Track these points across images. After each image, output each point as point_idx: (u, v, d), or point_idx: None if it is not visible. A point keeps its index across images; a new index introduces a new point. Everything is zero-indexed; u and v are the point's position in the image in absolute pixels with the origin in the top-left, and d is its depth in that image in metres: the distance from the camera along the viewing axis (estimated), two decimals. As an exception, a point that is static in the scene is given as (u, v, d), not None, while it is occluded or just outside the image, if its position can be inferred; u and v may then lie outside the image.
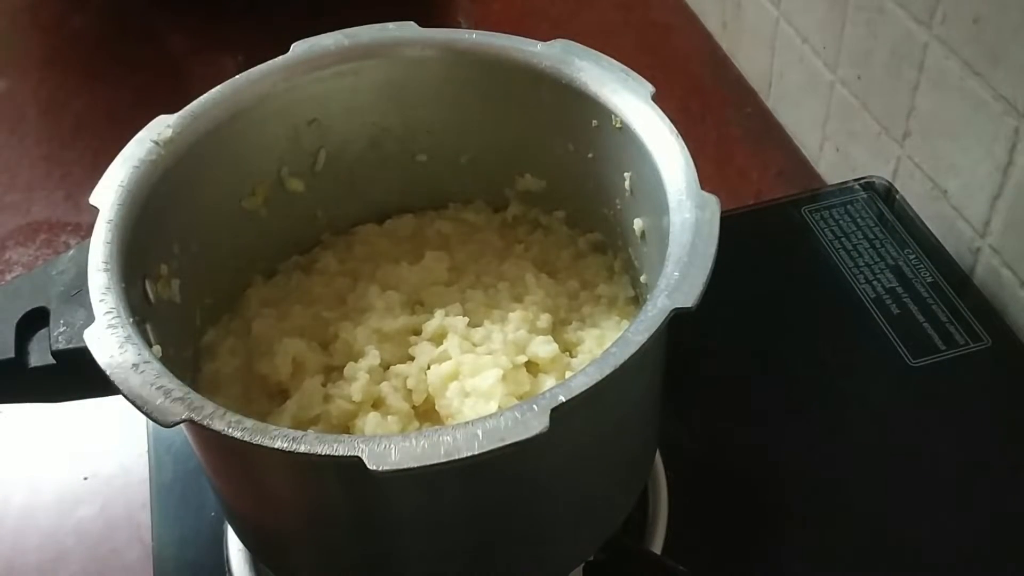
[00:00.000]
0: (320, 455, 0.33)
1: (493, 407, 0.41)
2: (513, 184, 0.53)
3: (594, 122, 0.46)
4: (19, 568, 0.56)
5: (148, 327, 0.40)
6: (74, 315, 0.38)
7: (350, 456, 0.32)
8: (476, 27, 0.49)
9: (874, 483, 0.53)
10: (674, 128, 0.43)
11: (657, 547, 0.51)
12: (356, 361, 0.44)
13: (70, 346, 0.38)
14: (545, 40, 0.47)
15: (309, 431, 0.41)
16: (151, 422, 0.36)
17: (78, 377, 0.37)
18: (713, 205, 0.39)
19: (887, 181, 0.69)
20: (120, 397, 0.35)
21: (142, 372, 0.35)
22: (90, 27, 0.98)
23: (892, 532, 0.51)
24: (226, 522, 0.52)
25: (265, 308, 0.49)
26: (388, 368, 0.45)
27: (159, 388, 0.35)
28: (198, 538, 0.53)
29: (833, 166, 0.76)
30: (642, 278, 0.48)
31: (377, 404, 0.43)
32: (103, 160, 0.42)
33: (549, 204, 0.53)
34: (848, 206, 0.67)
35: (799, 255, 0.65)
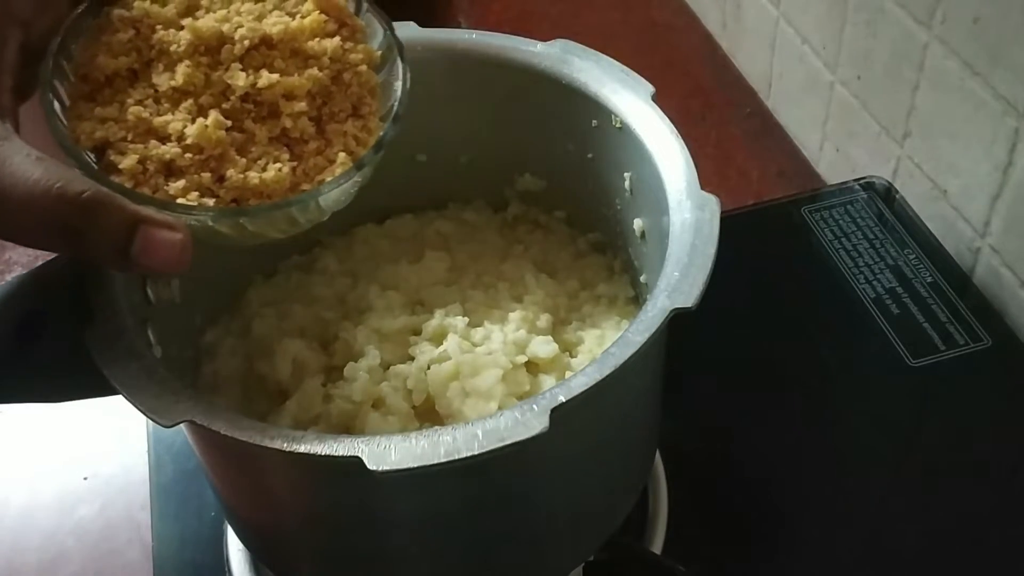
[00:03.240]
0: (320, 455, 0.33)
1: (493, 407, 0.41)
2: (513, 184, 0.53)
3: (594, 122, 0.46)
4: (19, 568, 0.56)
5: (148, 327, 0.40)
6: (74, 315, 0.38)
7: (350, 456, 0.32)
8: (476, 27, 0.49)
9: (873, 483, 0.53)
10: (674, 128, 0.43)
11: (657, 547, 0.51)
12: (356, 361, 0.44)
13: (70, 346, 0.38)
14: (545, 40, 0.47)
15: (309, 431, 0.41)
16: (151, 422, 0.36)
17: (78, 377, 0.37)
18: (713, 205, 0.39)
19: (887, 181, 0.69)
20: (120, 397, 0.35)
21: (142, 373, 0.35)
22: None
23: (891, 532, 0.51)
24: (226, 522, 0.52)
25: (265, 308, 0.49)
26: (388, 368, 0.45)
27: (159, 389, 0.35)
28: (198, 538, 0.53)
29: (833, 166, 0.75)
30: (642, 278, 0.48)
31: (377, 404, 0.43)
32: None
33: (549, 204, 0.53)
34: (848, 206, 0.67)
35: (799, 255, 0.65)
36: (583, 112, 0.46)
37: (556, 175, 0.52)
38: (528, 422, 0.33)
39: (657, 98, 0.44)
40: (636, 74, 0.45)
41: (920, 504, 0.52)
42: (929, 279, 0.62)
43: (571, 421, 0.34)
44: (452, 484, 0.37)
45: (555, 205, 0.53)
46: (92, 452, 0.61)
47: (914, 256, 0.63)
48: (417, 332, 0.47)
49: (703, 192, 0.40)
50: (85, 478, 0.60)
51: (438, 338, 0.46)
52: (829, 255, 0.64)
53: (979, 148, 0.59)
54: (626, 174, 0.46)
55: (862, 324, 0.60)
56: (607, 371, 0.34)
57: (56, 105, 0.35)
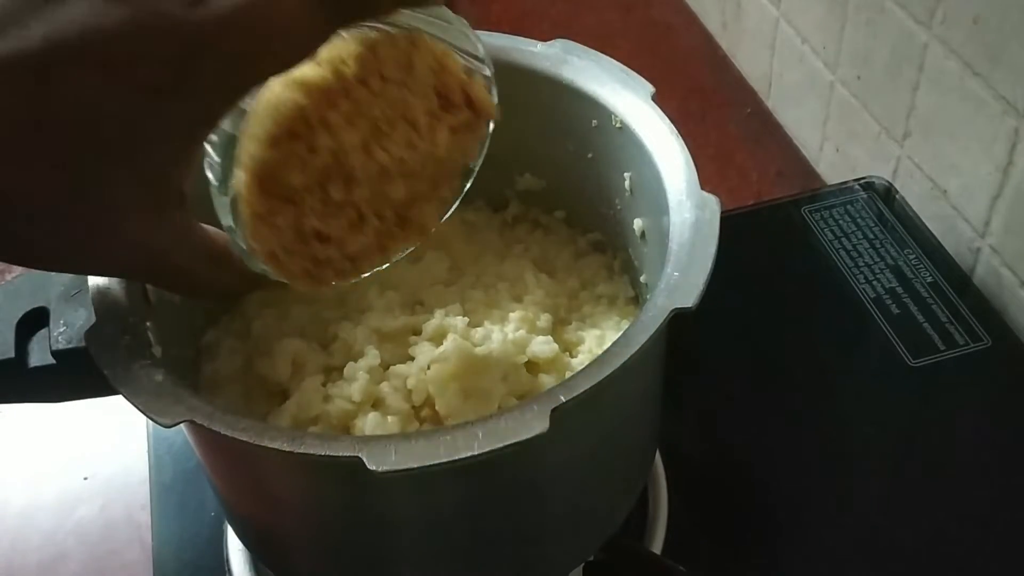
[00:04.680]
0: (320, 455, 0.33)
1: (493, 407, 0.41)
2: (513, 184, 0.53)
3: (594, 122, 0.46)
4: (19, 568, 0.56)
5: (148, 327, 0.40)
6: (74, 315, 0.38)
7: (350, 456, 0.32)
8: (476, 27, 0.49)
9: (873, 483, 0.53)
10: (674, 128, 0.43)
11: (657, 547, 0.51)
12: (356, 361, 0.44)
13: (70, 346, 0.38)
14: (545, 40, 0.47)
15: (309, 431, 0.41)
16: (151, 422, 0.36)
17: (78, 377, 0.37)
18: (713, 205, 0.39)
19: (887, 181, 0.69)
20: (120, 397, 0.35)
21: (142, 372, 0.35)
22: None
23: (891, 532, 0.51)
24: (226, 522, 0.52)
25: (265, 308, 0.49)
26: (388, 368, 0.45)
27: (159, 388, 0.35)
28: (198, 538, 0.53)
29: (833, 166, 0.76)
30: (642, 278, 0.48)
31: (377, 404, 0.43)
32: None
33: (549, 204, 0.53)
34: (848, 206, 0.67)
35: (799, 255, 0.65)
36: (583, 112, 0.46)
37: (556, 175, 0.52)
38: (528, 422, 0.33)
39: (657, 98, 0.44)
40: (636, 74, 0.45)
41: (920, 504, 0.52)
42: (929, 279, 0.62)
43: (571, 421, 0.34)
44: (452, 484, 0.37)
45: (555, 205, 0.53)
46: (92, 452, 0.61)
47: (914, 256, 0.63)
48: (417, 332, 0.46)
49: (703, 192, 0.40)
50: (85, 478, 0.60)
51: (438, 338, 0.46)
52: (829, 255, 0.64)
53: (979, 148, 0.59)
54: (626, 174, 0.46)
55: (862, 324, 0.60)
56: (607, 371, 0.34)
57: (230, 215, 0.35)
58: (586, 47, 0.47)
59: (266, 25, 0.27)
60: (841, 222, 0.66)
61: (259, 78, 0.29)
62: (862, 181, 0.69)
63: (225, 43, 0.27)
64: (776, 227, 0.67)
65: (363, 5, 0.30)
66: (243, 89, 0.29)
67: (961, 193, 0.63)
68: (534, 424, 0.33)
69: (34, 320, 0.39)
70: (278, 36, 0.28)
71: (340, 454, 0.32)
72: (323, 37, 0.30)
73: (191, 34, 0.26)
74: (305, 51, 0.29)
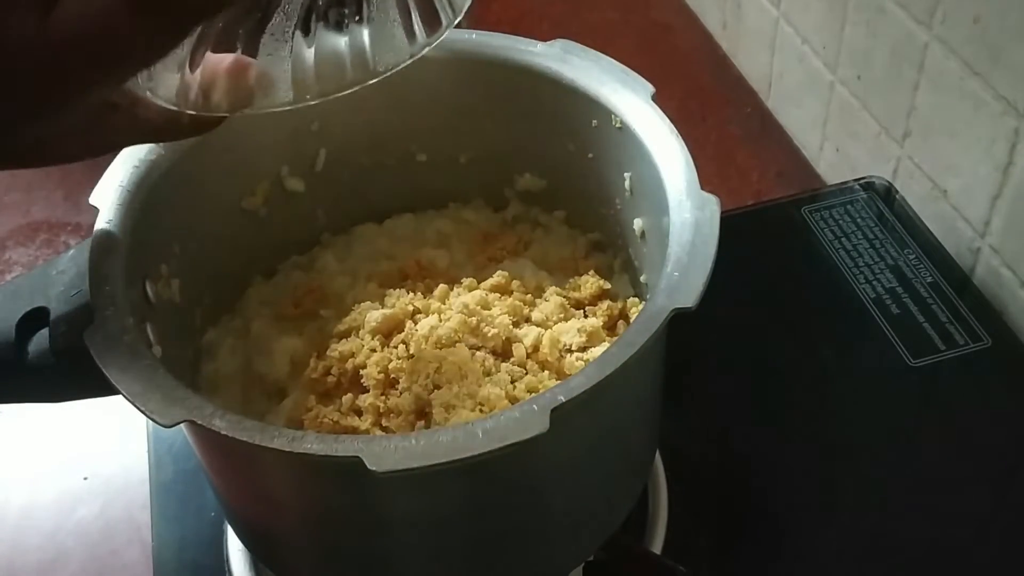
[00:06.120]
0: (320, 455, 0.33)
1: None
2: (513, 184, 0.53)
3: (594, 122, 0.46)
4: (19, 568, 0.56)
5: (148, 327, 0.40)
6: (74, 315, 0.38)
7: (350, 456, 0.32)
8: (476, 27, 0.49)
9: (873, 483, 0.53)
10: (674, 128, 0.43)
11: (657, 547, 0.51)
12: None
13: (70, 346, 0.38)
14: (545, 40, 0.47)
15: (309, 431, 0.41)
16: (151, 422, 0.36)
17: (78, 377, 0.37)
18: (713, 205, 0.39)
19: (887, 181, 0.69)
20: (120, 397, 0.35)
21: (142, 373, 0.35)
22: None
23: (891, 532, 0.51)
24: (226, 522, 0.52)
25: (265, 308, 0.49)
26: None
27: (159, 388, 0.35)
28: (198, 538, 0.53)
29: (833, 166, 0.75)
30: (642, 278, 0.48)
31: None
32: (103, 160, 0.42)
33: (549, 204, 0.53)
34: (848, 206, 0.67)
35: (799, 255, 0.65)
36: (583, 112, 0.46)
37: (556, 175, 0.52)
38: (528, 422, 0.33)
39: (657, 98, 0.44)
40: (636, 74, 0.45)
41: (920, 504, 0.52)
42: (929, 279, 0.62)
43: (571, 421, 0.33)
44: (452, 484, 0.37)
45: (555, 205, 0.53)
46: (92, 452, 0.61)
47: (914, 256, 0.63)
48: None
49: (703, 192, 0.40)
50: (85, 478, 0.60)
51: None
52: (829, 255, 0.64)
53: (979, 148, 0.59)
54: (626, 174, 0.46)
55: (862, 324, 0.60)
56: (607, 371, 0.34)
57: None
58: (586, 47, 0.47)
59: (106, 43, 0.28)
60: (841, 222, 0.66)
61: (97, 89, 0.29)
62: (862, 181, 0.69)
63: (75, 60, 0.27)
64: (776, 227, 0.67)
65: (193, 10, 0.29)
66: (86, 94, 0.29)
67: (961, 193, 0.63)
68: (534, 424, 0.33)
69: (34, 320, 0.39)
70: (114, 55, 0.28)
71: (340, 454, 0.32)
72: (165, 50, 0.29)
73: (41, 55, 0.27)
74: (144, 63, 0.29)
